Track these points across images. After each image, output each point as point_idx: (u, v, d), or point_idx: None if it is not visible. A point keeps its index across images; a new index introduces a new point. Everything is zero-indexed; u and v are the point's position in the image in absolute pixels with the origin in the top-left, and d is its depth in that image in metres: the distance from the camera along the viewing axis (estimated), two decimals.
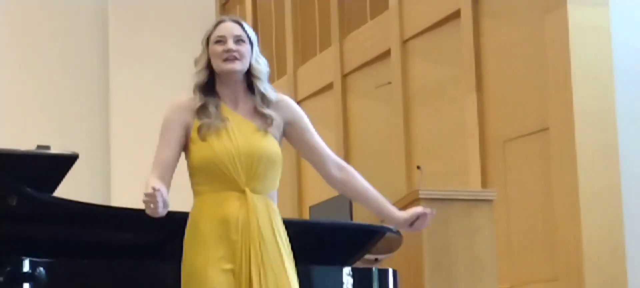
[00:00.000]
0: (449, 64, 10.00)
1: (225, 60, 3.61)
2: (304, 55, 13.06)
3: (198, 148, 3.60)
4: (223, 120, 3.60)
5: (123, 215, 4.52)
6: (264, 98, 3.66)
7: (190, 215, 3.65)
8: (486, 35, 9.46)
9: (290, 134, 3.74)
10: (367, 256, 5.35)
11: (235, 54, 3.62)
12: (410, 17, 10.61)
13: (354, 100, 11.83)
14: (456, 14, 9.80)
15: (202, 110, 3.62)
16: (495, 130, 9.29)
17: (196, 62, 3.70)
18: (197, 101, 3.63)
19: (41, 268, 4.11)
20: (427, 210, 3.64)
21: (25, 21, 15.09)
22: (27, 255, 4.12)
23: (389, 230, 5.33)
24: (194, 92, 3.66)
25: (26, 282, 4.07)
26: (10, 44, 14.98)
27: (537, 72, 8.72)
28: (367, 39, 11.48)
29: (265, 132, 3.63)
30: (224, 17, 3.74)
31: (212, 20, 14.81)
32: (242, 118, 3.63)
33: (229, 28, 3.67)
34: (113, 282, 4.35)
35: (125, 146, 14.87)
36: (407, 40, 10.69)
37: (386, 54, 11.03)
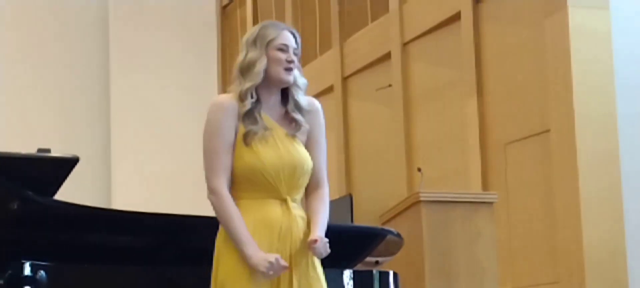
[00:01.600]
0: (450, 67, 10.00)
1: (286, 69, 3.65)
2: (304, 57, 12.86)
3: (242, 155, 3.58)
4: (266, 128, 3.61)
5: (123, 219, 4.52)
6: (297, 104, 3.70)
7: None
8: (487, 37, 9.46)
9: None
10: (368, 259, 5.35)
11: (293, 65, 3.68)
12: (410, 20, 10.61)
13: (355, 103, 11.83)
14: (456, 17, 9.79)
15: (247, 116, 3.61)
16: (495, 132, 9.29)
17: (249, 64, 3.64)
18: (246, 105, 3.61)
19: (42, 272, 4.10)
20: (316, 237, 3.55)
21: (27, 25, 15.10)
22: (28, 259, 4.12)
23: (390, 232, 5.33)
24: (244, 94, 3.62)
25: (27, 285, 4.07)
26: (11, 48, 14.99)
27: (538, 75, 8.72)
28: (368, 41, 11.48)
29: (298, 139, 3.67)
30: (282, 25, 3.75)
31: (213, 23, 14.65)
32: (278, 126, 3.66)
33: (290, 39, 3.69)
34: (114, 285, 4.36)
35: (126, 149, 14.87)
36: (408, 42, 10.69)
37: (387, 56, 11.03)
